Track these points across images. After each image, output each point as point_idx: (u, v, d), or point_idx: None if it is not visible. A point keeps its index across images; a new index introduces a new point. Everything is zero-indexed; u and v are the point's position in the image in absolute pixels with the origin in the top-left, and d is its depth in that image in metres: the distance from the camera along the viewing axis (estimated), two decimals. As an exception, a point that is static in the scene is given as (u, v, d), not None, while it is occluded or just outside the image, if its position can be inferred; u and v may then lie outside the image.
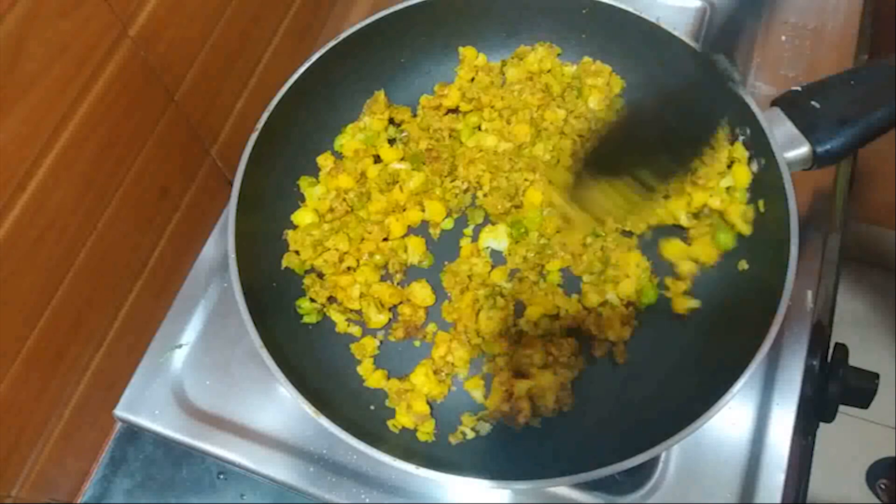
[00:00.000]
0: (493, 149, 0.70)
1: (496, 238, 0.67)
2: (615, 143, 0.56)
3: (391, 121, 0.73)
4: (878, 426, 1.44)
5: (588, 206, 0.56)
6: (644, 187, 0.54)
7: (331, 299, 0.66)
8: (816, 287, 0.66)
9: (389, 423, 0.60)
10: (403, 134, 0.72)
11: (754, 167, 0.63)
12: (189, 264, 0.72)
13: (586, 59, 0.73)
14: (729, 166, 0.65)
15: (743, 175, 0.64)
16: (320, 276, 0.66)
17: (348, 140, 0.72)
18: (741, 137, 0.64)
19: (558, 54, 0.74)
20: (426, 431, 0.60)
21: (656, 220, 0.65)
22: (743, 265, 0.63)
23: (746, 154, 0.64)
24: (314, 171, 0.71)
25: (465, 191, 0.69)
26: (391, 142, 0.72)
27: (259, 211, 0.66)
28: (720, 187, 0.64)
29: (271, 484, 0.63)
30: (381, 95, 0.72)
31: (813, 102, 0.60)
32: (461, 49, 0.75)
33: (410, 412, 0.60)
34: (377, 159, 0.71)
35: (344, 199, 0.68)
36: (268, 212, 0.67)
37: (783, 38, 0.79)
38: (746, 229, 0.63)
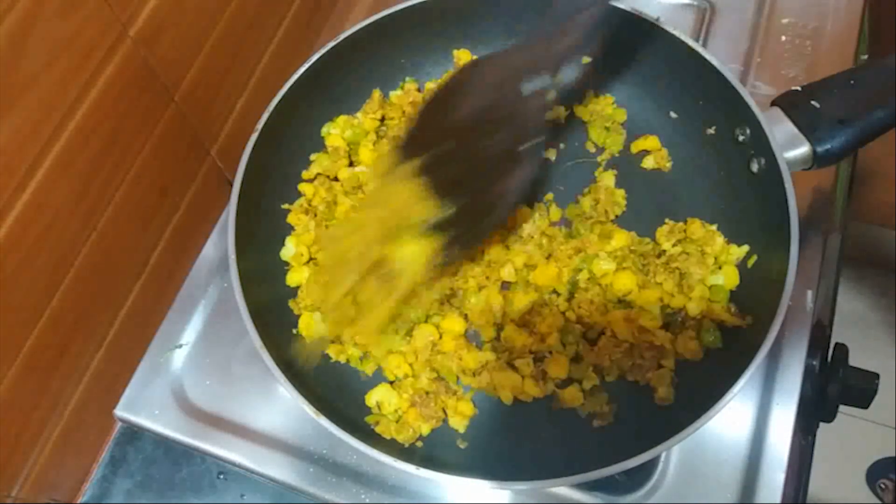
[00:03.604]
0: None
1: None
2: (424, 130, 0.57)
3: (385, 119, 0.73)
4: (878, 426, 1.44)
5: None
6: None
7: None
8: (816, 287, 0.66)
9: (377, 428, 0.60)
10: (383, 129, 0.73)
11: (754, 167, 0.63)
12: (189, 264, 0.72)
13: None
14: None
15: (733, 277, 0.62)
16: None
17: (338, 131, 0.71)
18: (741, 137, 0.64)
19: None
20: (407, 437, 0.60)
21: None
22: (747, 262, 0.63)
23: (736, 258, 0.63)
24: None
25: None
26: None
27: (259, 211, 0.66)
28: (702, 293, 0.61)
29: (271, 484, 0.63)
30: (376, 94, 0.72)
31: (813, 102, 0.60)
32: (455, 52, 0.75)
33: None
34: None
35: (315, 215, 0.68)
36: (268, 212, 0.68)
37: (783, 38, 0.79)
38: (739, 321, 0.60)
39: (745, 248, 0.63)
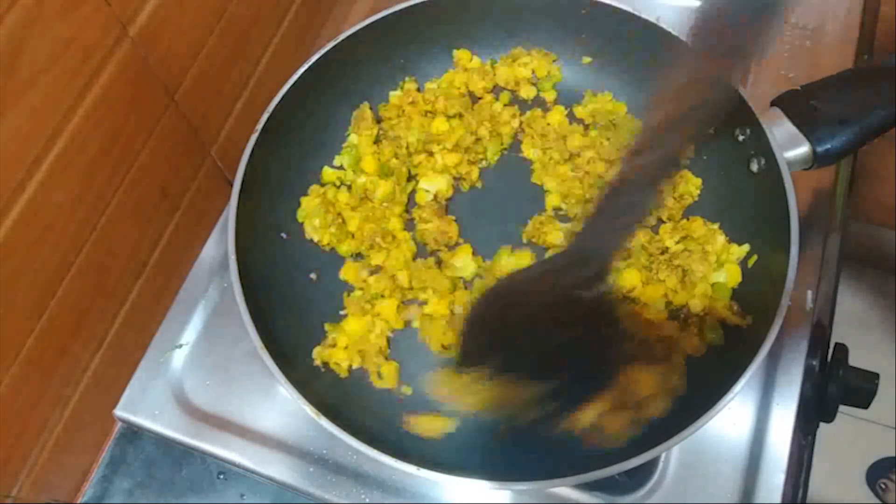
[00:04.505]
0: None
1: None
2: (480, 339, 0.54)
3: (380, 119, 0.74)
4: (878, 426, 1.44)
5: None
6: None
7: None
8: (816, 287, 0.66)
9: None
10: (381, 129, 0.73)
11: (754, 167, 0.63)
12: (189, 264, 0.72)
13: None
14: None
15: (735, 275, 0.62)
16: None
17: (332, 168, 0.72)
18: (741, 137, 0.64)
19: (553, 60, 0.75)
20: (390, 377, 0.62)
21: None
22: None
23: (737, 257, 0.63)
24: (314, 179, 0.71)
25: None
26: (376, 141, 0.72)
27: (259, 210, 0.66)
28: (705, 290, 0.62)
29: (271, 484, 0.63)
30: (366, 110, 0.72)
31: (813, 102, 0.61)
32: (455, 52, 0.75)
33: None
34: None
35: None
36: (268, 211, 0.67)
37: (783, 38, 0.79)
38: (739, 321, 0.60)
39: (746, 247, 0.63)
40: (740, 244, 0.63)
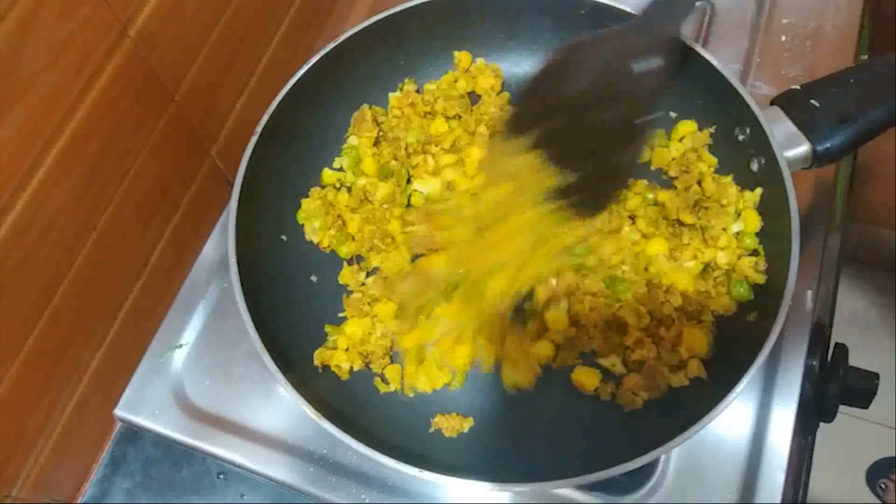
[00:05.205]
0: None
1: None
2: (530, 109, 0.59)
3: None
4: (878, 426, 1.44)
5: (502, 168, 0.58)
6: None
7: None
8: (816, 287, 0.66)
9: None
10: (381, 131, 0.73)
11: (754, 167, 0.63)
12: (189, 264, 0.72)
13: None
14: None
15: (753, 221, 0.63)
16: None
17: (332, 170, 0.72)
18: (741, 137, 0.64)
19: None
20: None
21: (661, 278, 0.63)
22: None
23: (755, 200, 0.63)
24: (314, 180, 0.71)
25: None
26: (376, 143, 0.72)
27: (259, 211, 0.66)
28: (728, 241, 0.63)
29: (271, 484, 0.63)
30: (367, 111, 0.72)
31: (812, 101, 0.60)
32: (456, 53, 0.75)
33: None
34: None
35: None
36: (268, 212, 0.67)
37: (783, 38, 0.79)
38: (760, 279, 0.61)
39: (759, 191, 0.63)
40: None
